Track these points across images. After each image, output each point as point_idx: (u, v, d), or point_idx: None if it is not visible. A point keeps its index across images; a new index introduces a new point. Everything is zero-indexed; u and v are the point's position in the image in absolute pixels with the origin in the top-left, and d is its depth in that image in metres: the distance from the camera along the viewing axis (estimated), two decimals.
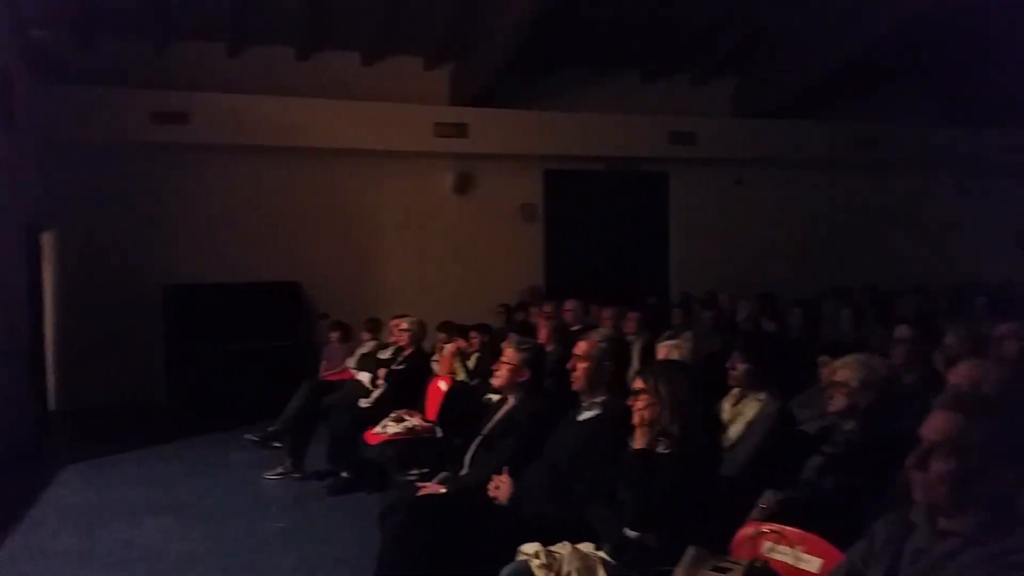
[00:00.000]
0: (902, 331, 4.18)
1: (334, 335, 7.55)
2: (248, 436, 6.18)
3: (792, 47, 9.19)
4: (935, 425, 1.79)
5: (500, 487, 3.23)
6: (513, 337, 3.94)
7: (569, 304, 6.97)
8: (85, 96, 7.71)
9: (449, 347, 6.52)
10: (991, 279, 9.92)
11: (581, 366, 3.34)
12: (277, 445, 5.96)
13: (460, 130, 8.86)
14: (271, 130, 8.24)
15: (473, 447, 3.75)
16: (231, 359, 8.02)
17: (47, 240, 8.00)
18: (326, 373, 7.20)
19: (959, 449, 1.73)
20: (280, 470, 5.73)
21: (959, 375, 2.71)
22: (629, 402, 2.89)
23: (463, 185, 9.39)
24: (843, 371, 3.22)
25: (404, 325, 6.01)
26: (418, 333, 6.03)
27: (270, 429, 6.04)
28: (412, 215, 9.20)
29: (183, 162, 8.40)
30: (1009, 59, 9.74)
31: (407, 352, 5.93)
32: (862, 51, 8.61)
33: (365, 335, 7.26)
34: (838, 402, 3.18)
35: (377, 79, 8.96)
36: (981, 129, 10.79)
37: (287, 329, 8.47)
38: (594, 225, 10.00)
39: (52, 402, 8.06)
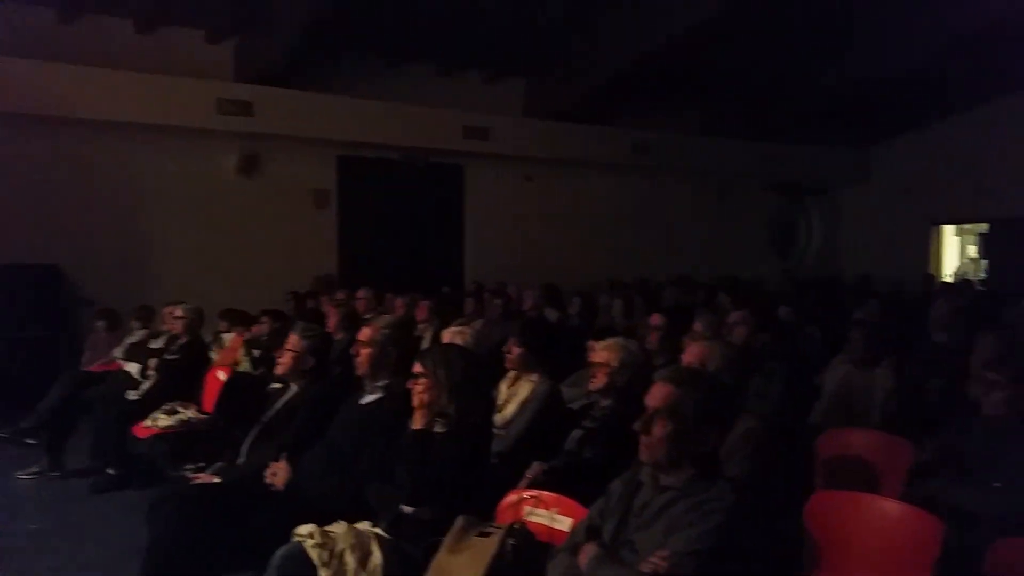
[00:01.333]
0: (656, 319, 4.67)
1: (100, 323, 6.97)
2: None
3: (578, 53, 9.75)
4: (656, 394, 2.10)
5: (277, 473, 3.23)
6: (298, 324, 3.93)
7: (361, 292, 7.00)
8: None
9: (232, 336, 6.30)
10: (744, 274, 11.25)
11: (364, 351, 3.41)
12: (31, 441, 5.44)
13: (245, 108, 8.44)
14: (28, 96, 7.36)
15: (251, 436, 3.70)
16: None
17: None
18: (90, 364, 6.64)
19: (675, 414, 2.05)
20: (35, 468, 5.27)
21: (690, 355, 3.13)
22: (409, 385, 3.01)
23: (249, 166, 8.97)
24: (603, 352, 3.58)
25: (179, 313, 5.69)
26: (194, 321, 5.73)
27: (23, 424, 5.49)
28: (192, 196, 8.61)
29: None
30: (764, 81, 11.11)
31: (182, 341, 5.63)
32: (640, 61, 9.32)
33: (135, 323, 6.78)
34: (599, 381, 3.52)
35: (153, 49, 8.28)
36: (738, 141, 12.18)
37: (44, 316, 7.65)
38: (389, 214, 9.99)
39: None
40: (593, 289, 9.15)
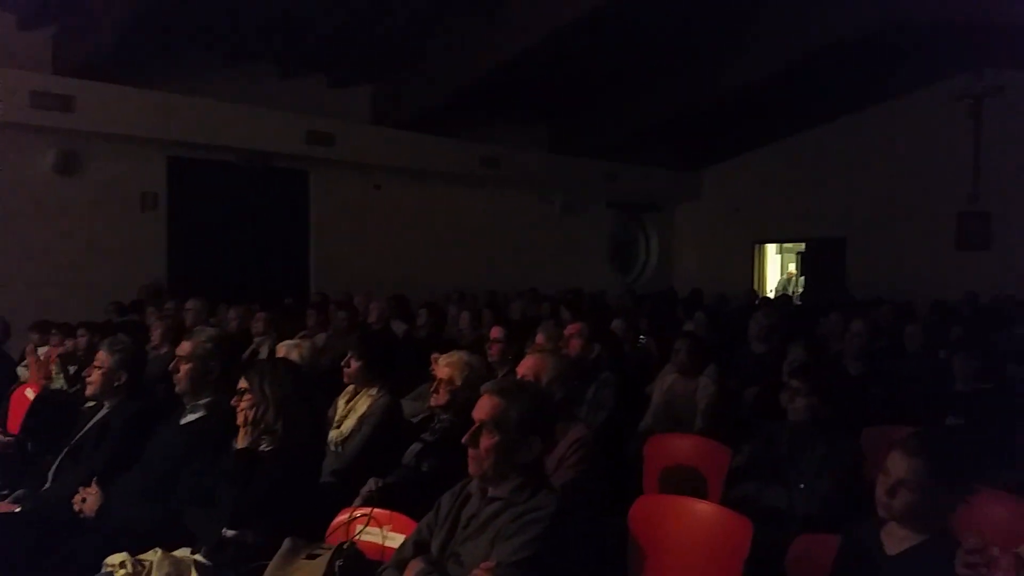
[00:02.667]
0: (496, 332, 4.73)
1: None
2: None
3: (428, 63, 9.77)
4: (482, 406, 2.12)
5: (87, 499, 2.97)
6: (107, 339, 3.63)
7: (190, 303, 6.57)
8: None
9: (45, 350, 5.75)
10: (587, 288, 11.66)
11: (183, 367, 3.23)
12: None
13: (65, 103, 7.74)
14: None
15: (59, 458, 3.38)
16: None
17: None
18: None
19: (500, 425, 2.08)
20: None
21: (524, 367, 3.19)
22: (233, 402, 2.87)
23: (67, 166, 8.20)
24: (445, 368, 3.57)
25: None
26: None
27: None
28: (1, 196, 7.80)
29: None
30: (606, 102, 11.63)
31: None
32: (491, 75, 9.46)
33: None
34: (440, 397, 3.50)
35: None
36: (583, 159, 12.64)
37: None
38: (227, 220, 9.46)
39: None
40: (442, 301, 9.14)
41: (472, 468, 2.12)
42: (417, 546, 2.17)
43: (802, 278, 15.41)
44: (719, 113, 11.79)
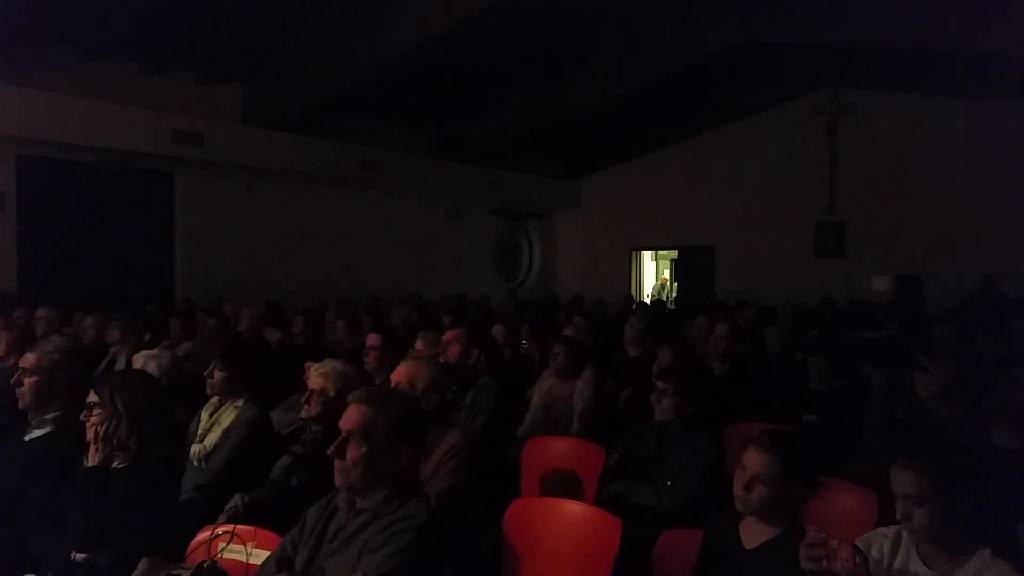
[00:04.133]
0: (373, 339, 4.65)
1: None
2: None
3: (301, 62, 9.49)
4: (348, 415, 2.06)
5: None
6: None
7: (41, 311, 6.09)
8: None
9: None
10: (475, 294, 11.68)
11: (29, 380, 3.00)
12: None
13: None
14: None
15: None
16: None
17: None
18: None
19: (368, 434, 2.03)
20: None
21: (397, 374, 3.14)
22: (83, 417, 2.68)
23: None
24: (317, 379, 3.46)
25: None
26: None
27: None
28: None
29: None
30: (486, 108, 11.71)
31: None
32: (369, 76, 9.33)
33: None
34: (313, 408, 3.40)
35: None
36: (466, 166, 12.68)
37: None
38: (85, 223, 8.82)
39: None
40: (320, 308, 8.89)
41: (339, 480, 2.05)
42: (280, 563, 2.09)
43: (675, 284, 16.09)
44: (597, 124, 12.12)
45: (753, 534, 2.27)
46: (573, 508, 2.73)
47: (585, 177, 15.43)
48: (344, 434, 2.04)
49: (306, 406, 3.40)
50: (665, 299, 14.85)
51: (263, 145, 9.92)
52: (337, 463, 2.04)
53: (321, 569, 2.00)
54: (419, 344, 5.00)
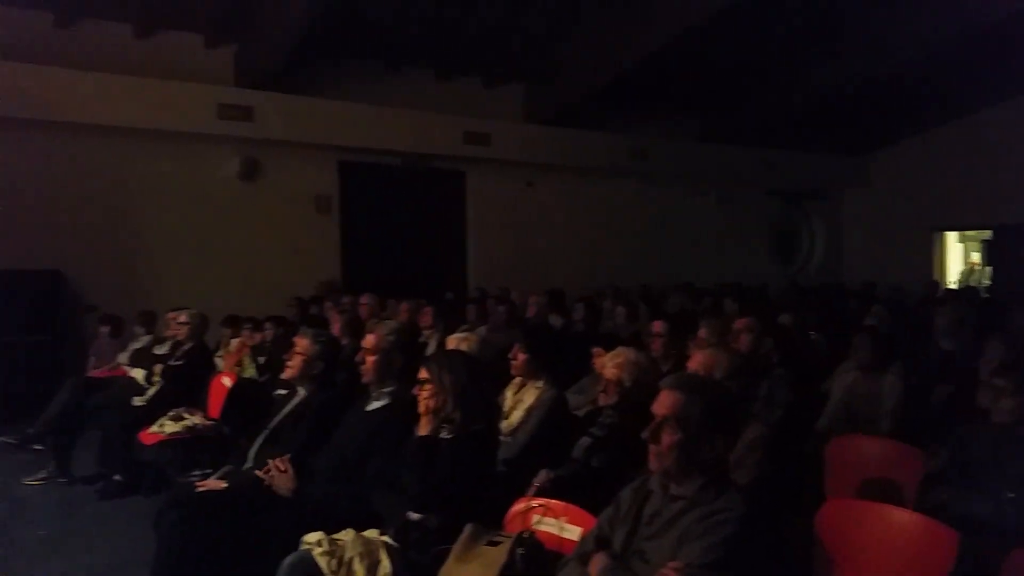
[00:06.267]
0: (659, 326, 4.66)
1: (103, 329, 6.97)
2: (4, 438, 5.55)
3: (575, 58, 9.75)
4: (663, 401, 2.08)
5: (278, 476, 3.18)
6: (308, 329, 3.91)
7: (364, 298, 6.98)
8: None
9: (236, 342, 6.29)
10: (747, 280, 11.24)
11: (370, 359, 3.40)
12: (38, 448, 5.41)
13: (246, 113, 8.45)
14: (28, 101, 7.35)
15: (259, 441, 3.67)
16: None
17: None
18: (94, 370, 6.63)
19: (683, 421, 2.03)
20: (43, 474, 5.25)
21: (695, 362, 3.11)
22: (415, 391, 3.00)
23: (250, 172, 8.95)
24: (613, 369, 3.55)
25: (182, 318, 5.67)
26: (198, 327, 5.71)
27: (29, 431, 5.47)
28: (193, 201, 8.60)
29: None
30: (761, 86, 11.13)
31: (186, 347, 5.62)
32: (636, 66, 9.34)
33: (139, 329, 6.77)
34: (611, 397, 3.50)
35: (152, 54, 8.30)
36: (738, 148, 12.18)
37: (46, 322, 7.63)
38: (392, 219, 9.97)
39: None
40: (595, 295, 9.13)
41: (653, 464, 2.09)
42: (599, 540, 2.17)
43: (987, 268, 14.02)
44: (885, 94, 10.94)
45: None
46: (900, 515, 2.50)
47: (874, 152, 14.02)
48: (659, 419, 2.07)
49: (603, 394, 3.51)
50: (975, 286, 13.01)
51: (542, 141, 10.41)
52: (652, 447, 2.07)
53: (641, 551, 2.05)
54: (702, 332, 4.92)
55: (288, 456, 3.28)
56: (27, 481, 5.23)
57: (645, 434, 2.10)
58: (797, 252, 14.55)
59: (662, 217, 12.07)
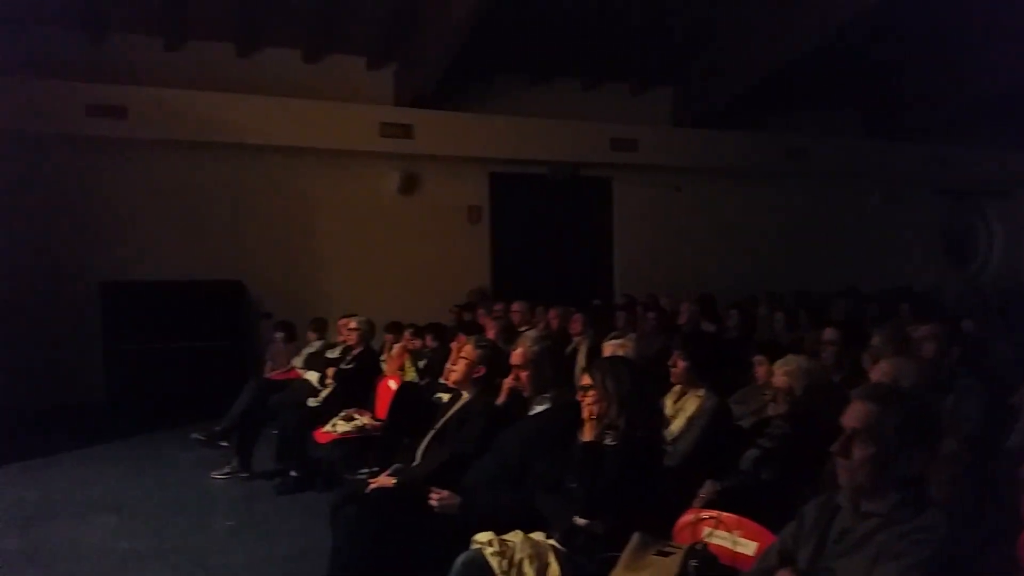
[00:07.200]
0: (830, 334, 4.43)
1: (278, 335, 7.51)
2: (194, 435, 6.09)
3: (724, 59, 9.50)
4: (854, 413, 1.97)
5: (442, 500, 3.09)
6: (472, 335, 4.04)
7: (516, 305, 7.12)
8: (17, 86, 7.41)
9: (398, 347, 6.59)
10: (917, 285, 10.46)
11: (523, 375, 3.46)
12: (224, 444, 5.91)
13: (406, 131, 8.90)
14: (209, 126, 8.13)
15: (426, 440, 3.82)
16: (170, 358, 7.90)
17: None
18: (271, 373, 7.15)
19: (876, 435, 1.92)
20: (227, 469, 5.69)
21: (879, 372, 2.93)
22: (579, 397, 3.01)
23: (409, 186, 9.41)
24: (784, 378, 3.42)
25: (353, 324, 6.04)
26: (367, 333, 6.07)
27: (216, 428, 5.97)
28: (358, 215, 9.16)
29: (120, 157, 8.18)
30: (931, 78, 10.34)
31: (356, 351, 5.96)
32: (790, 64, 8.96)
33: (311, 335, 7.25)
34: (780, 407, 3.37)
35: (319, 77, 8.92)
36: (905, 144, 11.37)
37: (228, 328, 8.35)
38: (540, 228, 10.13)
39: None
40: (747, 301, 8.82)
41: (843, 479, 1.98)
42: (782, 556, 2.09)
43: None
44: None
45: None
46: None
47: None
48: (848, 432, 1.97)
49: (772, 404, 3.38)
50: None
51: (690, 144, 10.21)
52: (842, 461, 1.97)
53: (829, 569, 1.96)
54: (875, 340, 4.62)
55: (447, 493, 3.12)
56: (214, 475, 5.68)
57: (834, 448, 2.00)
58: (971, 254, 13.34)
59: (819, 219, 11.46)
